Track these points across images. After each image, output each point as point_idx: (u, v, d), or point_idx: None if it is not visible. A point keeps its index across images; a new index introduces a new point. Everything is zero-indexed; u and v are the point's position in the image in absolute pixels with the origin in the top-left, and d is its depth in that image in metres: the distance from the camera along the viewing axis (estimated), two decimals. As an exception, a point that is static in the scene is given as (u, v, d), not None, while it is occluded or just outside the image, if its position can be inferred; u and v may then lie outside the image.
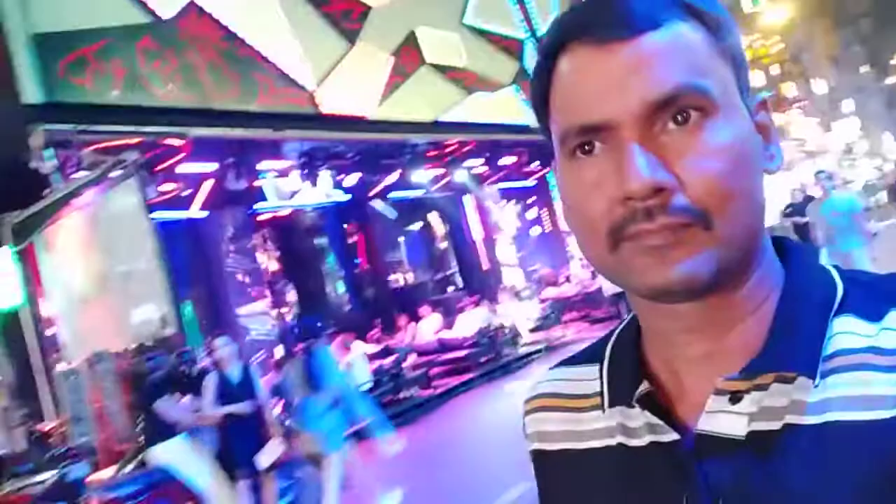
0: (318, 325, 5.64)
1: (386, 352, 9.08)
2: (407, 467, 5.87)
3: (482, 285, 13.46)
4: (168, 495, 5.18)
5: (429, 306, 11.57)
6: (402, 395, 8.31)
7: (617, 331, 0.66)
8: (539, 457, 0.67)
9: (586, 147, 0.53)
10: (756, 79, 27.70)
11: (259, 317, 10.71)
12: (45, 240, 7.58)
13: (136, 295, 6.67)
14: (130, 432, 6.32)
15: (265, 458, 4.68)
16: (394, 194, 12.57)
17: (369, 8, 10.63)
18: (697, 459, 0.54)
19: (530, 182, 16.08)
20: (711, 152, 0.51)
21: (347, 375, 6.75)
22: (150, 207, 6.59)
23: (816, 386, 0.51)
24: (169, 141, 7.68)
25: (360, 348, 8.55)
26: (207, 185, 8.82)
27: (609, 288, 10.54)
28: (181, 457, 4.97)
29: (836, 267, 0.59)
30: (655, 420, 0.56)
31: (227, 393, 4.66)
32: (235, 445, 4.71)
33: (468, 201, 14.43)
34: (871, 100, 46.93)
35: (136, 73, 7.44)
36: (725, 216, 0.50)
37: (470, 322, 10.40)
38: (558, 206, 16.17)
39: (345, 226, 12.79)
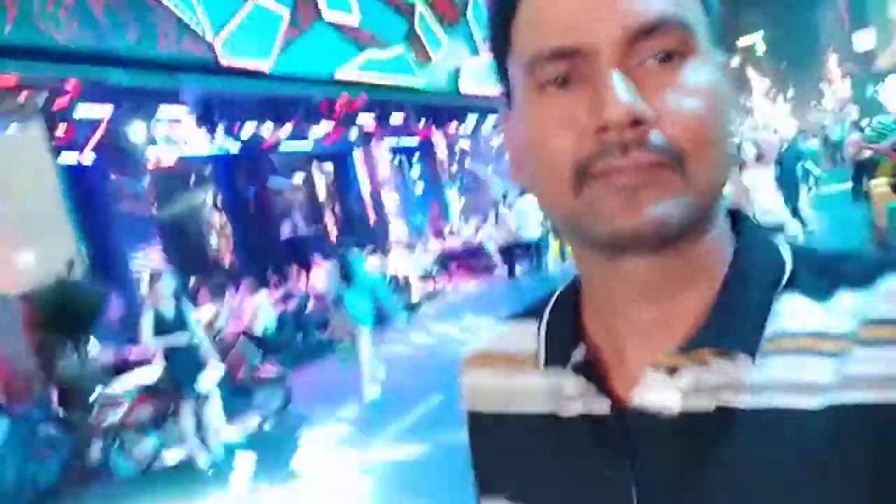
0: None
1: (286, 297, 9.48)
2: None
3: (370, 237, 14.02)
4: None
5: (320, 256, 12.00)
6: (306, 337, 8.81)
7: (558, 290, 0.64)
8: (472, 418, 0.67)
9: (557, 81, 0.50)
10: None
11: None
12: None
13: (38, 237, 6.65)
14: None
15: (204, 381, 5.21)
16: (285, 147, 12.75)
17: (267, -42, 10.64)
18: (625, 434, 0.53)
19: (415, 141, 16.68)
20: (692, 93, 0.48)
21: (373, 275, 8.34)
22: (55, 147, 6.55)
23: (755, 366, 0.50)
24: (64, 84, 7.57)
25: (265, 294, 8.92)
26: (100, 130, 8.68)
27: (500, 241, 11.46)
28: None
29: (790, 244, 0.57)
30: (589, 386, 0.55)
31: (163, 327, 5.04)
32: (177, 372, 5.14)
33: (357, 156, 14.84)
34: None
35: (29, 9, 7.22)
36: (700, 161, 0.48)
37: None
38: (441, 163, 16.98)
39: (237, 178, 12.82)
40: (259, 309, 8.25)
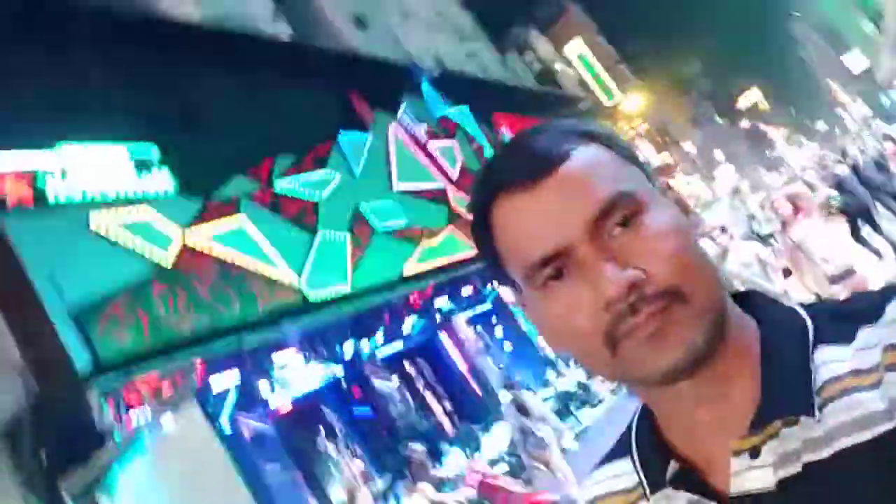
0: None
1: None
2: None
3: (484, 411, 14.28)
4: None
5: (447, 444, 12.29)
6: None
7: (634, 420, 0.70)
8: None
9: (555, 274, 0.59)
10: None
11: None
12: (108, 490, 8.07)
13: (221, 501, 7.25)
14: None
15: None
16: (381, 353, 13.54)
17: (317, 201, 12.12)
18: None
19: (488, 305, 17.40)
20: (659, 239, 0.58)
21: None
22: (218, 426, 7.36)
23: (818, 421, 0.56)
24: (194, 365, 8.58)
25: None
26: (230, 395, 9.61)
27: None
28: None
29: (800, 304, 0.65)
30: (694, 497, 0.60)
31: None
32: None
33: (442, 338, 15.53)
34: (734, 145, 52.40)
35: (157, 315, 8.42)
36: (694, 285, 0.57)
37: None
38: (520, 320, 17.51)
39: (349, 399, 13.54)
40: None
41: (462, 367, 15.47)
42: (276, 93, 12.44)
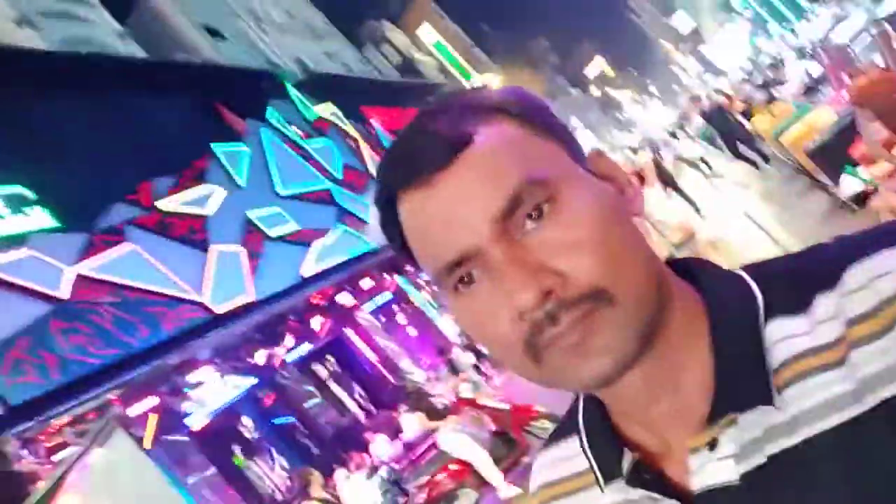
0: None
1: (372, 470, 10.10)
2: None
3: (398, 396, 14.74)
4: None
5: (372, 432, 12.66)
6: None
7: (581, 398, 0.65)
8: None
9: (465, 278, 0.53)
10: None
11: None
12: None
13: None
14: None
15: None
16: (291, 357, 13.65)
17: (205, 217, 12.03)
18: None
19: (389, 295, 17.83)
20: (578, 229, 0.51)
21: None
22: (145, 450, 7.37)
23: (779, 407, 0.51)
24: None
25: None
26: (152, 422, 9.51)
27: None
28: None
29: (745, 267, 0.58)
30: (651, 492, 0.56)
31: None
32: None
33: (348, 334, 15.80)
34: (588, 112, 55.55)
35: (63, 351, 8.22)
36: (621, 282, 0.50)
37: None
38: (419, 305, 18.08)
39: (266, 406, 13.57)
40: (359, 489, 8.87)
41: (372, 357, 15.84)
42: (140, 114, 12.21)
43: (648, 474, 0.57)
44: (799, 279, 0.54)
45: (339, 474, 9.54)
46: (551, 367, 0.52)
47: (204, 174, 12.80)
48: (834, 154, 6.05)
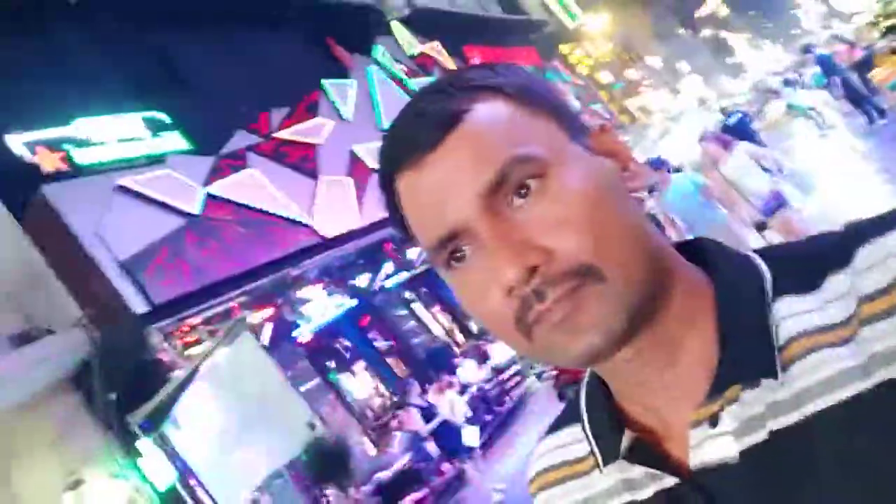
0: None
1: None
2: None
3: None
4: None
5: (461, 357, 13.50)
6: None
7: (584, 384, 0.66)
8: None
9: (457, 254, 0.55)
10: (606, 77, 31.49)
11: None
12: (175, 419, 9.09)
13: (280, 415, 8.29)
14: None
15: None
16: (389, 283, 14.54)
17: (315, 145, 12.86)
18: (703, 495, 0.53)
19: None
20: (567, 206, 0.52)
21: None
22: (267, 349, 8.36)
23: (783, 383, 0.51)
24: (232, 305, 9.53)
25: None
26: (269, 327, 10.61)
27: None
28: None
29: (755, 250, 0.58)
30: (651, 470, 0.56)
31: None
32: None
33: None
34: (697, 55, 52.96)
35: (195, 261, 9.29)
36: (610, 259, 0.51)
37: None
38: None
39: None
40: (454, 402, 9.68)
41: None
42: (260, 49, 13.02)
43: (648, 452, 0.57)
44: (810, 259, 0.54)
45: (434, 388, 10.36)
46: (541, 343, 0.52)
47: (315, 107, 13.57)
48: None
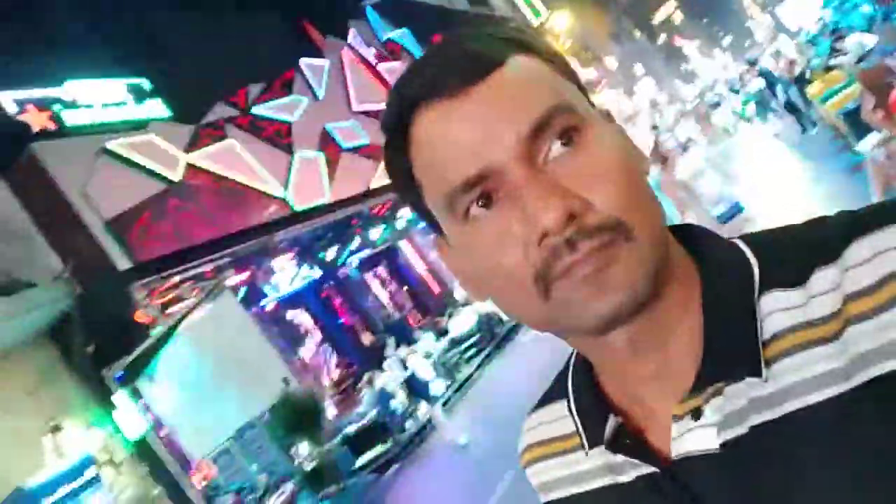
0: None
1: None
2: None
3: (441, 305, 16.24)
4: None
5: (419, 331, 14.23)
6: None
7: (572, 361, 0.65)
8: None
9: (479, 203, 0.51)
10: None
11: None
12: (151, 373, 9.56)
13: (252, 373, 8.86)
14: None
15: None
16: (352, 258, 15.15)
17: (290, 123, 13.35)
18: (682, 485, 0.54)
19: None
20: (605, 163, 0.50)
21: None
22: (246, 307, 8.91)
23: (766, 380, 0.50)
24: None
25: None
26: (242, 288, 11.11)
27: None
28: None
29: (744, 237, 0.57)
30: (633, 460, 0.56)
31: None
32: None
33: (403, 246, 17.25)
34: (652, 59, 54.71)
35: (176, 224, 9.75)
36: (638, 217, 0.50)
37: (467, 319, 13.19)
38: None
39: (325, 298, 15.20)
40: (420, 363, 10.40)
41: (421, 268, 17.30)
42: (236, 23, 13.44)
43: (630, 440, 0.57)
44: (799, 251, 0.52)
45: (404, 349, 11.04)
46: (560, 300, 0.50)
47: (290, 84, 14.04)
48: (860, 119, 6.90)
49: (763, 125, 15.12)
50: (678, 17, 62.20)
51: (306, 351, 14.36)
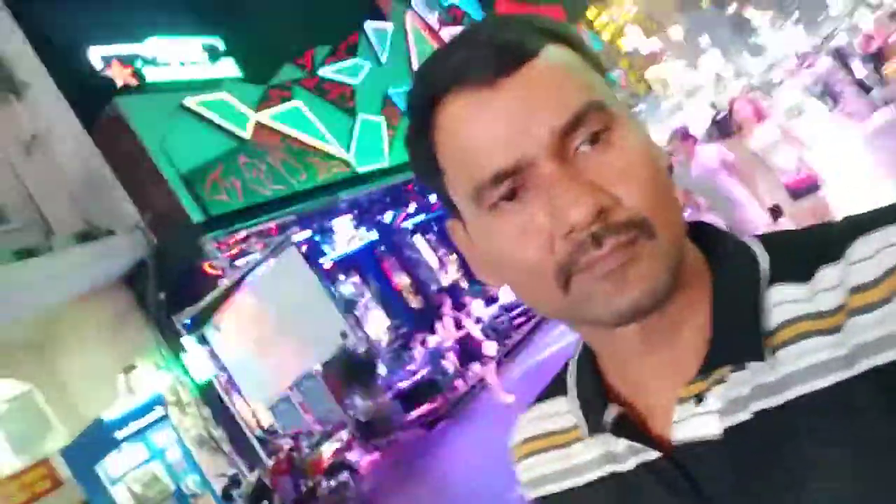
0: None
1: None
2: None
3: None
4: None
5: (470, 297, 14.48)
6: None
7: (574, 358, 0.66)
8: (542, 502, 0.67)
9: (508, 194, 0.51)
10: (628, 44, 31.82)
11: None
12: (217, 322, 10.09)
13: (317, 322, 9.23)
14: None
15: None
16: (407, 223, 15.45)
17: (353, 86, 13.60)
18: (683, 471, 0.54)
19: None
20: (629, 160, 0.51)
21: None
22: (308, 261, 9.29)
23: (771, 367, 0.52)
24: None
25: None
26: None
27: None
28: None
29: (754, 236, 0.59)
30: (634, 444, 0.57)
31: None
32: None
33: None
34: (719, 30, 52.87)
35: (246, 180, 10.17)
36: (663, 219, 0.51)
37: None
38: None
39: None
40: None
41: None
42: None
43: (631, 426, 0.58)
44: (806, 250, 0.54)
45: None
46: (580, 293, 0.51)
47: (355, 48, 14.27)
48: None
49: (832, 109, 14.71)
50: (750, -12, 59.76)
51: (359, 309, 14.80)
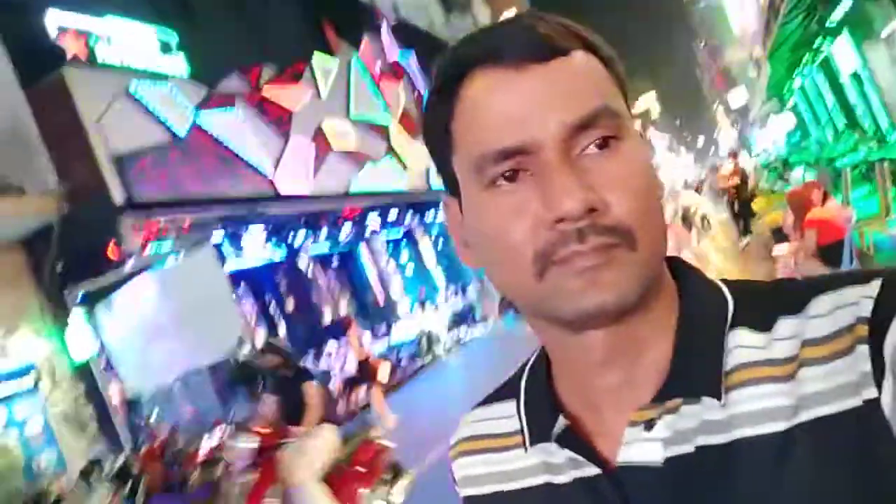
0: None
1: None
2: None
3: (382, 314, 17.06)
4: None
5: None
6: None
7: (528, 365, 0.67)
8: (470, 502, 0.68)
9: (506, 175, 0.53)
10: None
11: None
12: (109, 304, 10.05)
13: (212, 326, 9.50)
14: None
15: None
16: (313, 250, 15.88)
17: (291, 112, 14.16)
18: (620, 492, 0.55)
19: (400, 233, 20.07)
20: (631, 172, 0.53)
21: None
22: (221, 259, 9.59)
23: (723, 405, 0.53)
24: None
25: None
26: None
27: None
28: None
29: (723, 280, 0.61)
30: (576, 456, 0.57)
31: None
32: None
33: (361, 250, 18.05)
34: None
35: (173, 175, 10.40)
36: (646, 234, 0.52)
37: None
38: (425, 247, 20.26)
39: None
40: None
41: (373, 276, 18.10)
42: (269, 9, 14.27)
43: (577, 440, 0.58)
44: (769, 301, 0.56)
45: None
46: (552, 285, 0.52)
47: (300, 75, 14.89)
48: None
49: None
50: (655, 111, 65.63)
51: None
